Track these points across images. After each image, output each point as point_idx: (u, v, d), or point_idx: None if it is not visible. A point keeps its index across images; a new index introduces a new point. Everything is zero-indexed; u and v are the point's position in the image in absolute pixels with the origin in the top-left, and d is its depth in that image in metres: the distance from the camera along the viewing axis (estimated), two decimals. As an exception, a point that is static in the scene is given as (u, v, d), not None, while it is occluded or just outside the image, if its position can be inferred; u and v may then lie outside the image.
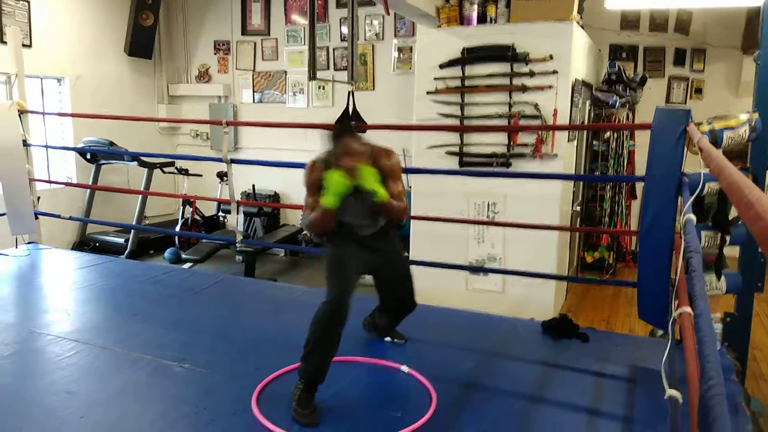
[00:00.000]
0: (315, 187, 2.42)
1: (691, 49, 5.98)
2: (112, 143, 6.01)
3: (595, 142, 5.67)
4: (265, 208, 6.69)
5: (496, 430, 2.19)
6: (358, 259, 2.53)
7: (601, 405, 2.40)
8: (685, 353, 1.58)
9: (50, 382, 2.53)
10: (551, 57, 4.36)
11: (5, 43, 5.27)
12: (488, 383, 2.61)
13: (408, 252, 5.08)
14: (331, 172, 2.35)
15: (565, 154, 4.52)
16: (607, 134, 5.67)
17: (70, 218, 5.11)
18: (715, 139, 2.89)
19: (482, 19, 4.63)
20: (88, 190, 6.41)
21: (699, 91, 6.01)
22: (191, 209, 6.34)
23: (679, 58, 6.03)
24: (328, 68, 6.84)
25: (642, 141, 4.96)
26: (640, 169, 3.89)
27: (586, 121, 5.42)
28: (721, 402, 0.82)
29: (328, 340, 2.30)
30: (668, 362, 1.93)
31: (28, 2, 5.83)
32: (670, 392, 1.65)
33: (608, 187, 5.71)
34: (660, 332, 3.06)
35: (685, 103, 5.98)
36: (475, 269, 4.54)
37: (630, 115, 5.71)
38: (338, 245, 2.56)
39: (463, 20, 4.66)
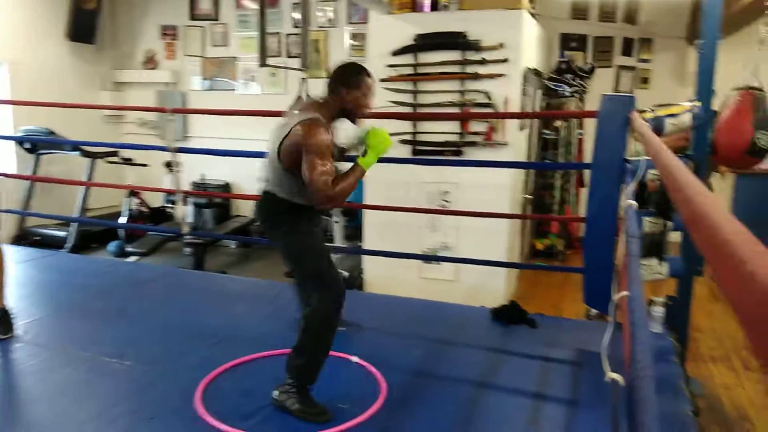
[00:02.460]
0: (330, 152, 2.09)
1: (639, 39, 6.11)
2: (52, 132, 5.74)
3: (545, 131, 5.74)
4: (214, 199, 6.54)
5: (444, 418, 2.19)
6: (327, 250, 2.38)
7: (548, 389, 2.43)
8: (623, 336, 1.60)
9: (-20, 383, 2.41)
10: (502, 45, 4.37)
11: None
12: (438, 371, 2.61)
13: (361, 242, 5.05)
14: (376, 129, 2.17)
15: (516, 142, 4.55)
16: (558, 123, 5.75)
17: (7, 211, 4.87)
18: (659, 126, 2.96)
19: (435, 6, 4.61)
20: (28, 182, 6.11)
21: (646, 80, 6.16)
22: (137, 201, 6.13)
23: (627, 48, 6.16)
24: (280, 55, 6.70)
25: (590, 129, 5.06)
26: (589, 157, 3.96)
27: (537, 110, 5.48)
28: (648, 384, 0.81)
29: (331, 340, 2.19)
30: (611, 345, 1.96)
31: (-42, -18, 5.50)
32: (611, 375, 1.67)
33: (558, 175, 5.80)
34: (594, 312, 3.13)
35: (632, 92, 6.12)
36: (428, 258, 4.55)
37: (580, 104, 5.81)
38: (307, 233, 2.25)
39: (415, 6, 4.62)
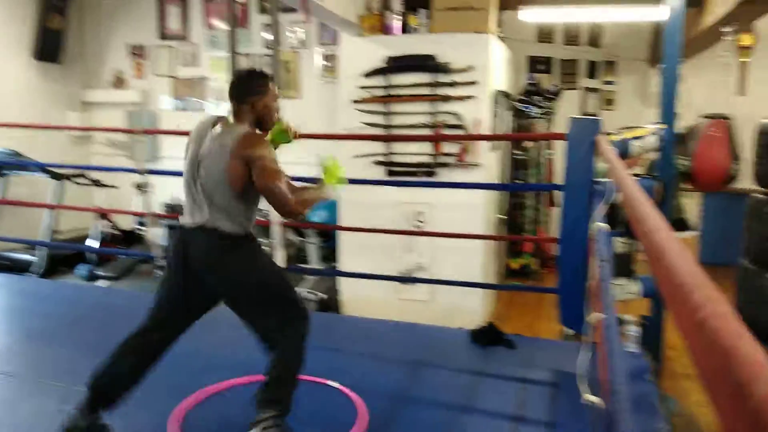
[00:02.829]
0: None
1: (603, 61, 6.30)
2: (17, 153, 5.61)
3: (516, 152, 5.85)
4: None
5: (425, 442, 2.20)
6: None
7: (526, 411, 2.46)
8: (599, 357, 1.65)
9: (-54, 418, 2.32)
10: (471, 68, 4.47)
11: None
12: (417, 394, 2.62)
13: (336, 263, 5.05)
14: (332, 163, 2.25)
15: (488, 162, 4.63)
16: (528, 144, 5.87)
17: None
18: (625, 148, 3.06)
19: (405, 28, 4.69)
20: (-8, 204, 5.95)
21: (610, 101, 6.34)
22: (107, 223, 6.01)
23: (592, 70, 6.34)
24: (251, 76, 6.69)
25: (560, 149, 5.18)
26: (559, 177, 4.06)
27: (509, 131, 5.59)
28: (624, 404, 0.84)
29: (303, 363, 2.10)
30: (587, 366, 2.00)
31: None
32: (587, 396, 1.71)
33: (529, 195, 5.91)
34: (571, 332, 3.18)
35: (598, 113, 6.29)
36: (404, 279, 4.57)
37: (548, 126, 5.94)
38: (267, 262, 2.20)
39: (385, 29, 4.69)
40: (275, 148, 2.11)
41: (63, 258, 5.97)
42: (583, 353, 2.25)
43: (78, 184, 6.09)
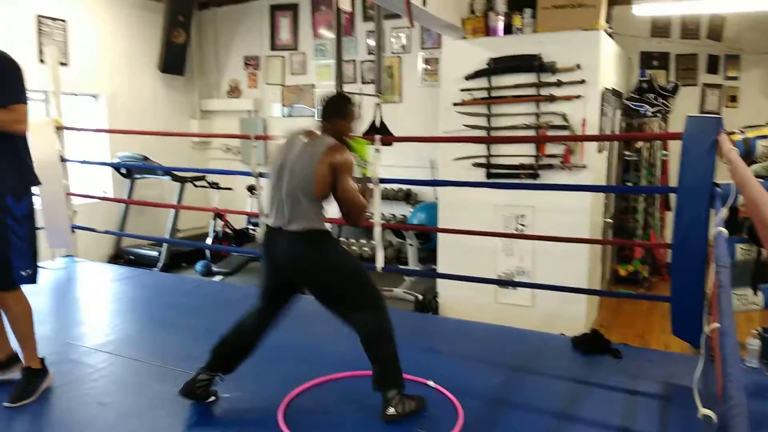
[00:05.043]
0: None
1: (725, 55, 5.84)
2: (146, 158, 6.16)
3: (627, 153, 5.57)
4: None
5: (524, 448, 2.15)
6: None
7: (634, 424, 2.34)
8: (716, 371, 1.54)
9: (84, 393, 2.59)
10: (579, 66, 4.32)
11: (44, 62, 5.47)
12: (516, 399, 2.57)
13: (435, 265, 5.06)
14: (356, 141, 2.39)
15: (595, 164, 4.45)
16: (639, 144, 5.57)
17: (106, 232, 5.25)
18: (749, 148, 2.83)
19: (508, 29, 4.62)
20: (123, 204, 6.57)
21: (734, 98, 5.86)
22: (222, 223, 6.43)
23: (713, 65, 5.90)
24: (355, 81, 6.89)
25: (675, 151, 4.87)
26: (675, 179, 3.81)
27: (617, 131, 5.34)
28: (741, 422, 0.79)
29: (394, 343, 2.32)
30: (702, 380, 1.88)
31: (65, 22, 6.04)
32: (704, 411, 1.61)
33: (641, 198, 5.60)
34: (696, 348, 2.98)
35: (720, 111, 5.84)
36: (504, 283, 4.49)
37: (663, 125, 5.61)
38: (335, 248, 2.38)
39: (488, 31, 4.65)
40: (368, 166, 2.43)
41: (182, 254, 6.46)
42: (698, 366, 2.11)
43: (197, 186, 6.58)
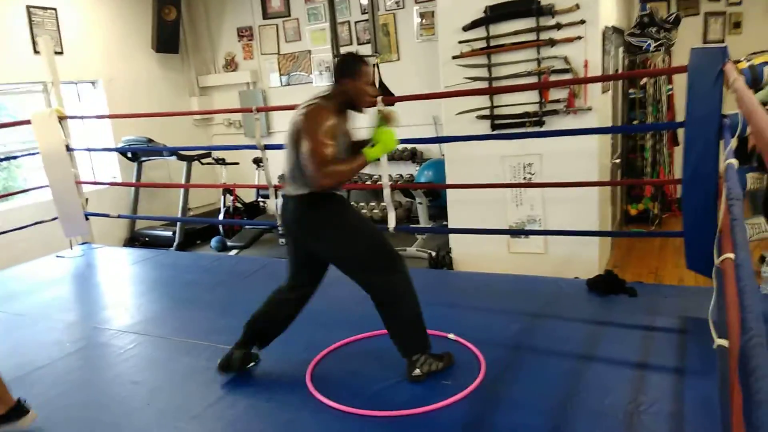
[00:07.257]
0: (332, 134, 2.16)
1: (728, -20, 5.67)
2: (150, 140, 6.17)
3: (631, 90, 5.49)
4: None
5: (546, 392, 2.20)
6: None
7: (653, 358, 2.38)
8: (726, 301, 1.56)
9: (116, 374, 2.68)
10: (578, 6, 4.22)
11: (38, 53, 5.43)
12: (536, 345, 2.62)
13: (446, 221, 5.08)
14: (384, 129, 2.32)
15: (600, 106, 4.39)
16: (644, 80, 5.48)
17: (119, 216, 5.30)
18: (756, 75, 2.78)
19: (503, -25, 4.50)
20: (133, 188, 6.62)
21: (738, 25, 5.72)
22: (232, 198, 6.47)
23: (715, -8, 5.74)
24: (351, 43, 6.79)
25: (680, 84, 4.79)
26: (681, 114, 3.76)
27: (620, 69, 5.25)
28: (761, 352, 0.81)
29: (417, 302, 2.31)
30: (716, 311, 1.90)
31: (55, 10, 5.97)
32: (719, 341, 1.63)
33: (648, 136, 5.54)
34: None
35: (723, 39, 5.70)
36: (516, 232, 4.51)
37: (667, 59, 5.50)
38: (346, 207, 2.37)
39: (484, -22, 4.53)
40: (374, 148, 2.27)
41: (196, 232, 6.53)
42: (713, 298, 2.13)
43: (204, 164, 6.60)
